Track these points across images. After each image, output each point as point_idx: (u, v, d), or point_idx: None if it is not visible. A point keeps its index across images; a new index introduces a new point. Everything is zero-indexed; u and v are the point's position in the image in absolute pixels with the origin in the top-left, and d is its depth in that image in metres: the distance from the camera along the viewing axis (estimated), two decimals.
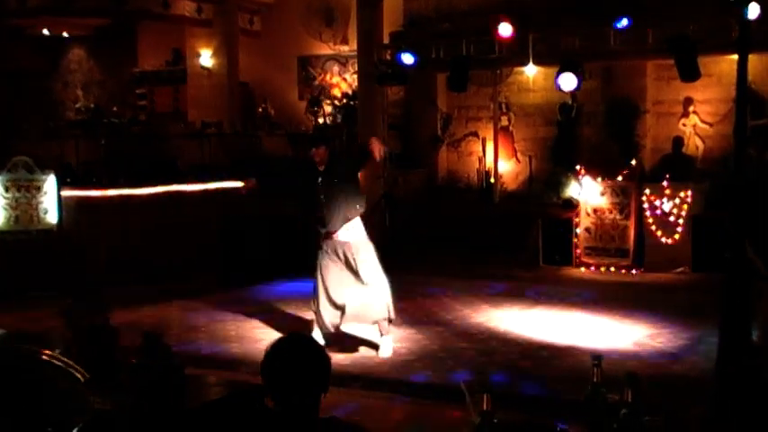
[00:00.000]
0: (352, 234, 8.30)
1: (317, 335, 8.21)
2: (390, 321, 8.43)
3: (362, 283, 8.26)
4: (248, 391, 4.46)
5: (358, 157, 8.77)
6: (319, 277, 8.40)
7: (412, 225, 15.32)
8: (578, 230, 13.26)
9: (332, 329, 8.37)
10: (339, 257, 8.31)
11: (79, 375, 4.56)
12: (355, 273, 8.28)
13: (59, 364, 4.73)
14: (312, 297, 8.57)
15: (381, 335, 8.37)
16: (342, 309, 8.32)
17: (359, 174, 8.79)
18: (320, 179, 8.24)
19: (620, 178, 12.98)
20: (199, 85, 19.51)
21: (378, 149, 8.21)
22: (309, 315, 10.13)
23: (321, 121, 17.34)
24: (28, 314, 10.04)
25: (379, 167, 9.57)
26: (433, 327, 9.54)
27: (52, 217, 11.89)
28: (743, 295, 5.88)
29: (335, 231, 8.24)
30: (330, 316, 8.39)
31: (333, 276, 8.34)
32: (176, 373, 4.22)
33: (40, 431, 4.72)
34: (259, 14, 20.29)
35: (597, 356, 3.52)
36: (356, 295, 8.29)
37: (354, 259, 8.26)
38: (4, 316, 9.95)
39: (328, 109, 18.87)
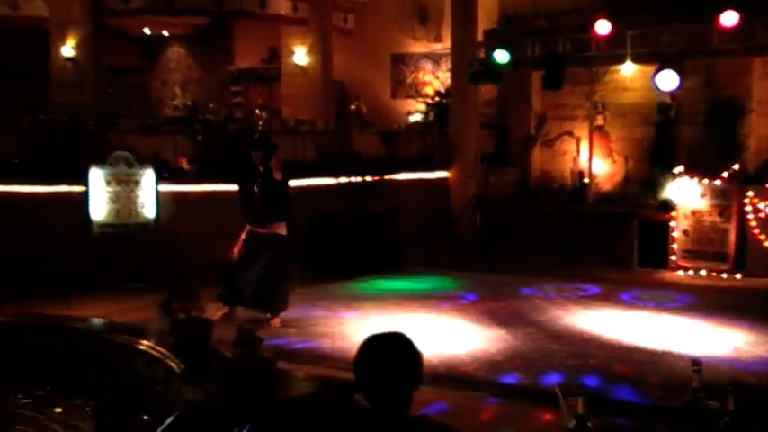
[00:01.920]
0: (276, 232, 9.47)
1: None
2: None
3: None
4: (338, 387, 4.47)
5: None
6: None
7: (503, 225, 15.18)
8: (675, 233, 12.89)
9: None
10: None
11: (174, 366, 4.65)
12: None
13: (156, 354, 4.84)
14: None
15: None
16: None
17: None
18: (258, 180, 9.37)
19: (721, 180, 12.57)
20: (293, 83, 19.74)
21: None
22: (396, 311, 10.19)
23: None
24: (125, 305, 10.31)
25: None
26: (524, 327, 9.41)
27: (150, 211, 12.16)
28: None
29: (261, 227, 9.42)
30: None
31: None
32: (269, 367, 4.25)
33: (135, 419, 4.82)
34: (353, 13, 20.42)
35: (697, 362, 3.40)
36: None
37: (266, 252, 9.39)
38: (103, 306, 10.26)
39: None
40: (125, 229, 12.08)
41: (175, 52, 23.56)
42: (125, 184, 12.07)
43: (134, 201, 12.10)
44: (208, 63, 22.85)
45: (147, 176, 12.15)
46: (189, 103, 20.25)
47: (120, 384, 5.27)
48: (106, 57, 16.06)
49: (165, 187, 12.42)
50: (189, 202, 12.76)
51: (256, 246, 9.46)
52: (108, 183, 11.99)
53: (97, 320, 7.19)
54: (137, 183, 12.10)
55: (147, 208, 12.14)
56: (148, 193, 12.14)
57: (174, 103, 22.09)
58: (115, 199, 12.02)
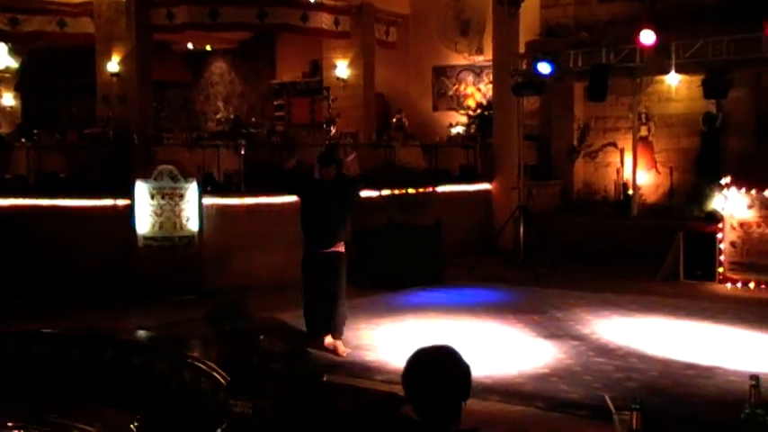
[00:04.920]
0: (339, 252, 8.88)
1: None
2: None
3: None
4: (384, 400, 4.45)
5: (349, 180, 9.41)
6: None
7: (547, 237, 15.06)
8: (723, 245, 12.70)
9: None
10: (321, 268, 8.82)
11: (221, 378, 4.66)
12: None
13: (203, 367, 4.85)
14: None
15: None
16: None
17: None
18: (321, 196, 8.79)
19: None
20: (335, 96, 19.79)
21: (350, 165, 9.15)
22: (439, 324, 10.15)
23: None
24: (170, 317, 10.39)
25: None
26: (569, 341, 9.32)
27: (194, 224, 12.27)
28: None
29: (325, 248, 8.79)
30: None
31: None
32: (317, 380, 4.23)
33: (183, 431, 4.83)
34: (395, 26, 20.45)
35: (755, 377, 3.33)
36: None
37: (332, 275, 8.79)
38: (149, 318, 10.35)
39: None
40: (169, 241, 12.20)
41: (218, 66, 23.81)
42: (169, 198, 12.20)
43: (178, 214, 12.22)
44: (250, 77, 23.06)
45: (192, 190, 12.27)
46: (231, 116, 20.40)
47: (168, 396, 5.30)
48: (151, 71, 16.25)
49: (209, 200, 12.52)
50: (233, 214, 12.84)
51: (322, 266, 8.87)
52: (152, 196, 12.13)
53: (143, 332, 7.25)
54: (181, 196, 12.23)
55: (192, 221, 12.24)
56: (192, 206, 12.25)
57: (218, 116, 22.28)
58: (160, 212, 12.16)
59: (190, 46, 22.69)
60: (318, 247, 8.81)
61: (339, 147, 14.85)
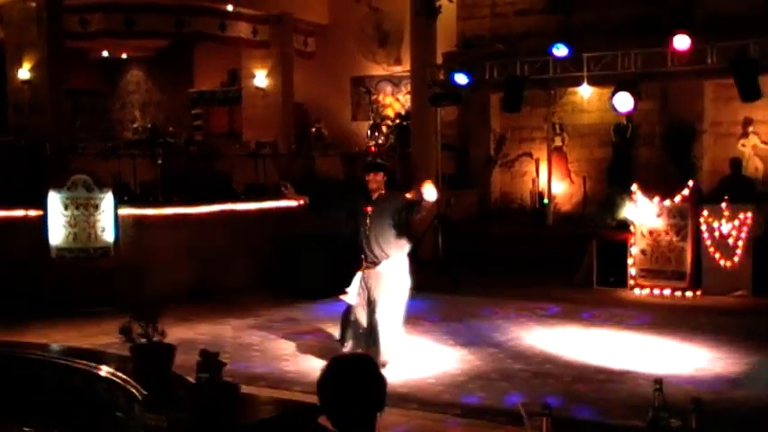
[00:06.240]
0: (390, 269, 8.39)
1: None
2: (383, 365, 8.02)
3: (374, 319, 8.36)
4: (301, 410, 4.46)
5: (410, 203, 8.52)
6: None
7: (464, 246, 15.23)
8: (633, 252, 13.06)
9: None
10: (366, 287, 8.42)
11: (136, 392, 4.60)
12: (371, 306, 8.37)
13: (117, 380, 4.78)
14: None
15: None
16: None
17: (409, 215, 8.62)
18: (370, 209, 8.38)
19: (677, 200, 12.76)
20: (254, 106, 19.73)
21: (428, 193, 8.16)
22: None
23: (378, 143, 16.55)
24: (85, 330, 10.20)
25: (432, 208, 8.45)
26: (486, 348, 9.46)
27: (109, 235, 12.06)
28: None
29: (375, 264, 8.38)
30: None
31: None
32: (233, 392, 4.22)
33: None
34: (313, 36, 20.49)
35: (658, 381, 3.45)
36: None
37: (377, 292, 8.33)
38: (62, 332, 10.14)
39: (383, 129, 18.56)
40: (84, 253, 11.97)
41: (135, 75, 23.46)
42: (84, 208, 11.97)
43: (93, 224, 12.00)
44: (167, 86, 22.77)
45: (107, 200, 12.06)
46: (149, 125, 20.10)
47: (81, 411, 5.20)
48: (65, 79, 15.90)
49: (125, 211, 12.33)
50: (151, 224, 12.66)
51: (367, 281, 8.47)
52: (66, 206, 11.89)
53: (56, 346, 7.10)
54: (96, 206, 12.01)
55: (107, 231, 12.04)
56: (108, 216, 12.05)
57: (134, 125, 21.95)
58: (73, 223, 11.92)
59: (105, 54, 22.33)
60: (368, 262, 8.46)
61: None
